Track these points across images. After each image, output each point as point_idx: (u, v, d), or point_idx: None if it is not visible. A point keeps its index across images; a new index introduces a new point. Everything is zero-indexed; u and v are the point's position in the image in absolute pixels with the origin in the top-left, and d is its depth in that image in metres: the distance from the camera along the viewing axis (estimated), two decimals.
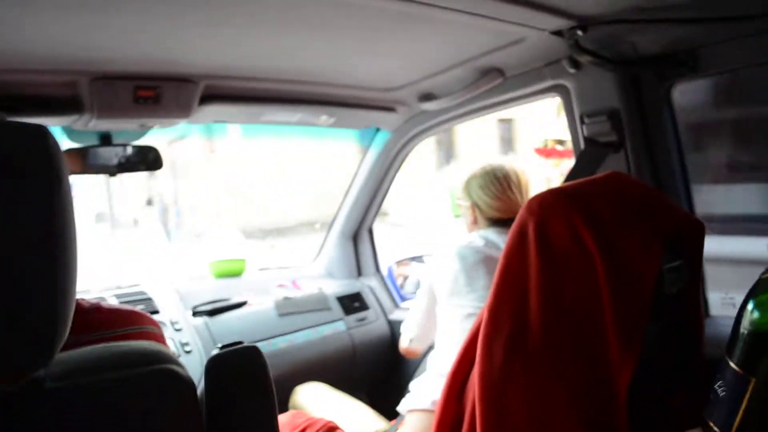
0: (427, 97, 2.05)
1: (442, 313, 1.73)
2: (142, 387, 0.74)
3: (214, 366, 0.84)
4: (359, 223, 2.77)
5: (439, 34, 1.51)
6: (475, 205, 1.83)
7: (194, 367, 1.97)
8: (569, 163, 2.62)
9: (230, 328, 2.21)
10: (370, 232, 2.82)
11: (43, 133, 0.64)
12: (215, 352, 0.85)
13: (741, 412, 0.68)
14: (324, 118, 2.07)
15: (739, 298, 1.72)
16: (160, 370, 0.75)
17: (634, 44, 1.52)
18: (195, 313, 2.23)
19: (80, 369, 0.72)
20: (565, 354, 1.00)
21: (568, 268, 1.02)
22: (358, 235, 2.82)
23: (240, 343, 0.87)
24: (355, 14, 1.31)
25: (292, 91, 1.88)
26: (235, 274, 2.65)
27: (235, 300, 2.34)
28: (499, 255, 1.67)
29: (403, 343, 1.94)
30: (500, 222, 1.80)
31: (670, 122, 1.60)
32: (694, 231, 1.14)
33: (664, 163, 1.61)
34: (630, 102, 1.59)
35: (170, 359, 0.77)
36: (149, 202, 14.61)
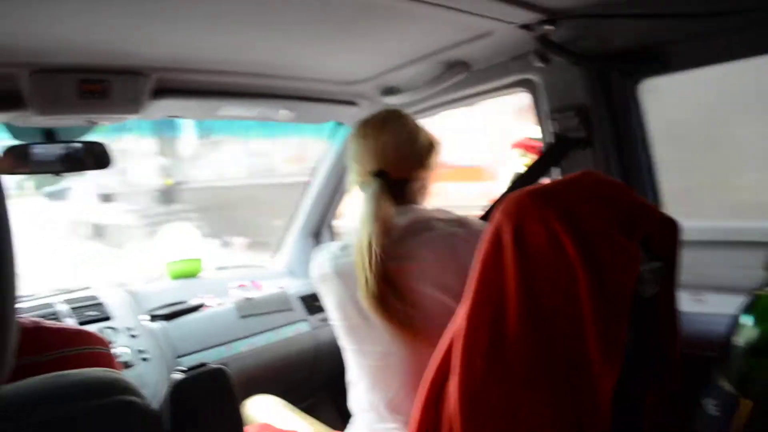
0: (390, 91, 2.00)
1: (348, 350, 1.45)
2: (101, 422, 0.66)
3: (177, 392, 0.76)
4: (321, 220, 2.71)
5: (404, 26, 1.45)
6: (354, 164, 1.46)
7: (153, 377, 1.89)
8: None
9: (189, 332, 2.11)
10: (331, 228, 2.76)
11: None
12: (177, 376, 0.78)
13: None
14: (283, 112, 1.99)
15: (707, 296, 1.73)
16: (119, 402, 0.67)
17: (602, 39, 1.49)
18: (152, 318, 2.12)
19: (29, 404, 0.64)
20: (546, 362, 0.97)
21: (546, 273, 0.98)
22: (320, 232, 2.75)
23: (204, 364, 0.80)
24: (316, 6, 1.24)
25: (249, 84, 1.80)
26: (192, 274, 2.55)
27: (192, 302, 2.25)
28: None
29: None
30: (380, 175, 1.39)
31: (639, 119, 1.59)
32: (669, 230, 1.12)
33: (632, 160, 1.59)
34: (598, 98, 1.57)
35: (129, 389, 0.70)
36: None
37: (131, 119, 1.68)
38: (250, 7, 1.22)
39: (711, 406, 0.66)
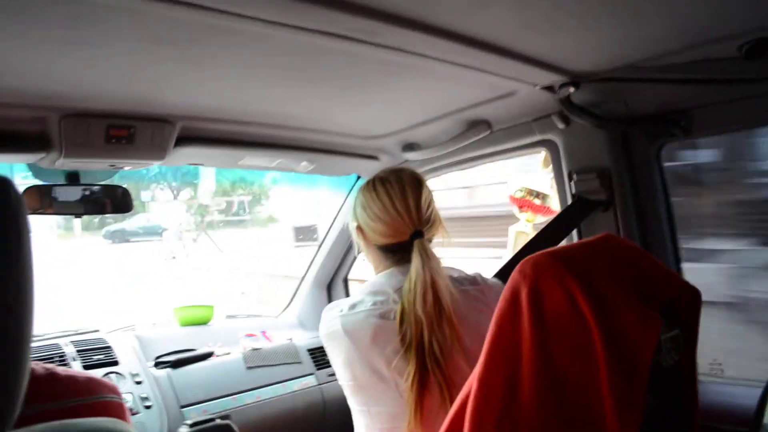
0: (410, 147, 2.04)
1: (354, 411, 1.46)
2: None
3: None
4: (334, 272, 2.72)
5: (428, 84, 1.49)
6: (360, 229, 1.51)
7: (155, 425, 1.87)
8: (543, 219, 2.60)
9: (195, 381, 2.10)
10: (345, 281, 2.76)
11: (5, 185, 0.58)
12: (183, 430, 0.78)
13: None
14: (304, 164, 2.03)
15: (727, 364, 1.70)
16: None
17: (626, 103, 1.52)
18: (157, 364, 2.13)
19: None
20: (560, 429, 0.95)
21: (562, 336, 0.97)
22: (333, 285, 2.75)
23: (211, 420, 0.80)
24: (340, 62, 1.28)
25: (272, 135, 1.84)
26: (202, 322, 2.55)
27: (200, 350, 2.25)
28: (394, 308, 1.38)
29: None
30: (389, 249, 1.47)
31: (660, 183, 1.61)
32: (690, 298, 1.11)
33: (653, 224, 1.60)
34: (620, 161, 1.59)
35: None
36: None
37: (154, 165, 1.71)
38: (277, 60, 1.26)
39: None
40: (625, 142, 1.60)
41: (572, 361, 0.96)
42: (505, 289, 1.03)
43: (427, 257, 1.39)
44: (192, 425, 0.79)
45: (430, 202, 1.47)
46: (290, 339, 2.50)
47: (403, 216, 1.42)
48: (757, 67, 1.26)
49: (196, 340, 2.34)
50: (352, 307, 1.41)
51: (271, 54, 1.22)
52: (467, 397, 1.03)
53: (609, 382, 0.93)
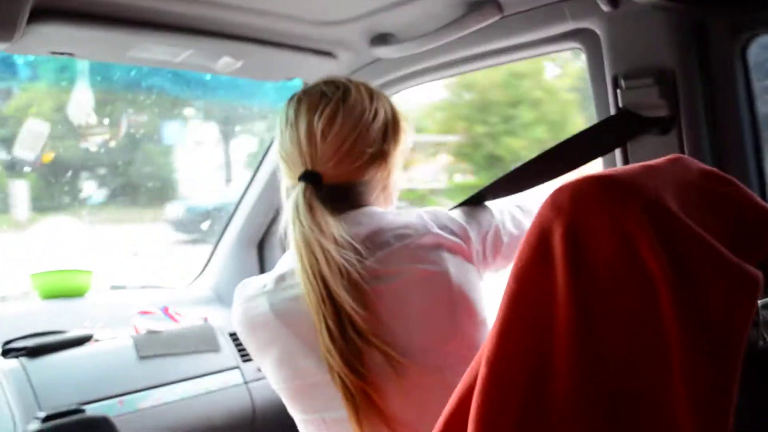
0: (382, 39, 1.96)
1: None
2: None
3: None
4: (267, 226, 2.67)
5: None
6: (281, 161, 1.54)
7: None
8: None
9: (62, 376, 2.02)
10: (284, 238, 2.69)
11: None
12: (34, 427, 0.69)
13: None
14: (225, 60, 1.94)
15: None
16: None
17: None
18: (6, 352, 2.05)
19: None
20: None
21: (614, 299, 0.92)
22: (265, 243, 2.72)
23: (80, 411, 0.72)
24: None
25: (178, 14, 1.73)
26: (75, 293, 2.49)
27: (72, 333, 2.18)
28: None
29: None
30: (308, 179, 1.43)
31: (745, 93, 1.57)
32: None
33: (733, 151, 1.57)
34: (691, 61, 1.55)
35: None
36: None
37: None
38: None
39: None
40: (698, 34, 1.55)
41: (628, 336, 0.91)
42: (530, 231, 0.97)
43: (302, 212, 1.36)
44: (45, 419, 0.71)
45: (353, 128, 1.42)
46: (204, 318, 2.46)
47: (293, 148, 1.44)
48: None
49: (66, 320, 2.29)
50: (281, 279, 1.39)
51: None
52: (470, 387, 0.98)
53: (682, 365, 0.88)
